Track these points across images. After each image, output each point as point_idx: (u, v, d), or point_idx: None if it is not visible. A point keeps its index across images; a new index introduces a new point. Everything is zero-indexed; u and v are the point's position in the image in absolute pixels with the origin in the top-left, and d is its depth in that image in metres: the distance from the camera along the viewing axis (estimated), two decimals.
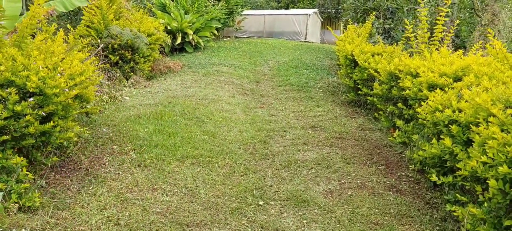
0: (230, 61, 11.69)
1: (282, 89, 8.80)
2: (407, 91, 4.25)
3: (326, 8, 29.28)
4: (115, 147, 4.70)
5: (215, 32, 15.48)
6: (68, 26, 5.37)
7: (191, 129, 5.44)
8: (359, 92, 6.95)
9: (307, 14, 23.74)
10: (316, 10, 25.31)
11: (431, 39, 5.12)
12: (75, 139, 4.43)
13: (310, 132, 5.87)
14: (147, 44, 8.97)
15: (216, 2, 16.98)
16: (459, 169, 2.97)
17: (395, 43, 7.47)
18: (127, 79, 8.44)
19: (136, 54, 8.74)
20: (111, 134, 5.03)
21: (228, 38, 22.58)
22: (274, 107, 7.31)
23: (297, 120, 6.49)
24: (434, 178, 3.22)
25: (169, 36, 12.97)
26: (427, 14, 7.06)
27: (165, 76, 9.46)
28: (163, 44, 12.77)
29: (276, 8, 28.92)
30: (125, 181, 3.93)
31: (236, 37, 23.35)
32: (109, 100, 6.52)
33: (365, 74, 6.68)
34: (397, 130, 4.71)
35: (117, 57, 8.49)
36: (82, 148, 4.64)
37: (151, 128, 5.23)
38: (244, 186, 4.04)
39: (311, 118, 6.61)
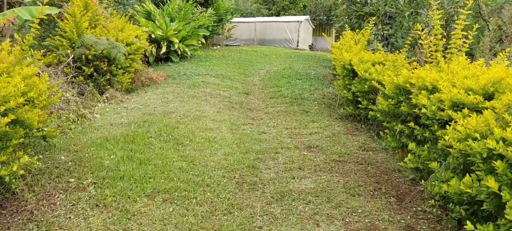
0: (218, 71, 10.90)
1: (274, 102, 8.02)
2: (424, 110, 3.50)
3: (317, 15, 28.73)
4: (72, 180, 3.87)
5: (203, 40, 14.71)
6: (16, 35, 4.54)
7: (167, 153, 4.63)
8: (359, 106, 6.20)
9: (298, 21, 23.10)
10: (307, 17, 24.70)
11: (447, 47, 4.40)
12: (21, 172, 3.59)
13: (305, 153, 5.09)
14: (125, 55, 8.16)
15: (204, 9, 16.23)
16: (503, 216, 2.22)
17: (397, 51, 6.76)
18: (102, 93, 7.61)
19: (113, 65, 7.92)
20: (69, 163, 4.19)
21: (218, 46, 21.84)
22: (265, 123, 6.52)
23: (290, 139, 5.71)
24: (469, 227, 2.45)
25: (153, 45, 12.17)
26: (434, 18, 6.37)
27: (146, 89, 8.64)
28: (147, 54, 11.98)
29: (267, 15, 28.28)
30: (75, 229, 3.10)
31: (226, 45, 22.62)
32: (77, 119, 5.68)
33: (365, 86, 5.94)
34: (408, 154, 3.95)
35: (92, 69, 7.67)
36: (32, 181, 3.80)
37: (119, 154, 4.41)
38: (227, 230, 3.23)
39: (306, 135, 5.84)
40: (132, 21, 12.93)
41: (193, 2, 15.37)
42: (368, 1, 9.07)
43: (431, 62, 4.36)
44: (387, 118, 4.97)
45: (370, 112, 5.70)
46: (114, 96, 7.36)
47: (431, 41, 4.11)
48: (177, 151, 4.76)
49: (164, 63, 12.26)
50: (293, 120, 6.68)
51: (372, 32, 8.70)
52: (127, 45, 8.59)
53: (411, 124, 4.03)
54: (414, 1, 7.87)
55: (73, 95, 6.45)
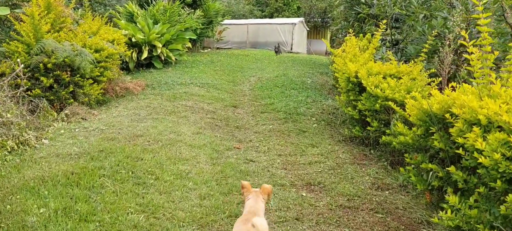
0: (204, 79, 9.72)
1: (265, 117, 6.86)
2: (482, 159, 2.36)
3: (312, 16, 27.68)
4: None
5: (189, 44, 13.51)
6: None
7: (121, 201, 3.44)
8: (369, 127, 5.06)
9: (292, 23, 22.00)
10: (302, 19, 23.62)
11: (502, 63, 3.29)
12: None
13: (304, 194, 3.93)
14: (93, 62, 6.95)
15: (192, 11, 15.04)
16: None
17: (412, 60, 5.64)
18: (61, 109, 6.39)
19: (78, 75, 6.71)
20: None
21: (209, 49, 20.67)
22: (254, 147, 5.36)
23: (285, 170, 4.56)
24: None
25: (134, 50, 10.95)
26: (458, 23, 5.27)
27: (119, 102, 7.43)
28: (127, 60, 10.77)
29: (260, 17, 27.17)
30: None
31: (217, 48, 21.46)
32: (16, 147, 4.47)
33: (377, 104, 4.80)
34: (448, 210, 2.82)
35: (51, 80, 6.45)
36: None
37: (53, 206, 3.21)
38: None
39: (304, 166, 4.68)
40: (111, 23, 11.74)
41: (181, 3, 14.18)
42: (375, 1, 7.93)
43: (467, 81, 3.25)
44: (409, 149, 3.83)
45: (383, 137, 4.57)
46: (75, 113, 6.15)
47: (476, 52, 2.97)
48: (136, 195, 3.58)
49: (145, 70, 11.05)
50: (288, 142, 5.53)
51: (374, 37, 7.57)
52: (97, 51, 7.38)
53: (452, 169, 2.90)
54: (428, 2, 6.75)
55: (21, 114, 5.24)
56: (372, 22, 9.21)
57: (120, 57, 9.96)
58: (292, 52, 21.36)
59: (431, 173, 3.48)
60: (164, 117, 6.17)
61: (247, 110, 7.39)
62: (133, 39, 10.97)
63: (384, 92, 4.68)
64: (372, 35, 7.30)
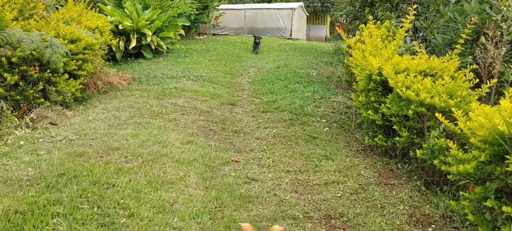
0: (198, 71, 8.70)
1: (268, 118, 5.88)
2: None
3: (311, 1, 26.49)
4: None
5: (182, 31, 12.41)
6: None
7: None
8: (396, 138, 4.10)
9: (292, 8, 20.85)
10: (301, 3, 22.44)
11: None
12: None
13: None
14: (67, 55, 5.92)
15: None
16: None
17: (441, 52, 4.67)
18: (30, 110, 5.39)
19: (48, 70, 5.68)
20: None
21: (205, 35, 19.54)
22: (256, 159, 4.40)
23: (295, 194, 3.61)
24: None
25: (121, 38, 9.88)
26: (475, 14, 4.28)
27: (100, 99, 6.43)
28: (114, 49, 9.71)
29: (258, 2, 25.95)
30: None
31: (214, 34, 20.33)
32: None
33: (408, 110, 3.83)
34: None
35: (16, 77, 5.42)
36: None
37: None
38: None
39: (319, 188, 3.73)
40: (97, 9, 10.65)
41: None
42: None
43: None
44: (465, 177, 2.88)
45: (418, 152, 3.62)
46: (43, 117, 5.14)
47: None
48: None
49: (134, 60, 9.99)
50: (297, 153, 4.56)
51: (394, 24, 6.56)
52: (72, 42, 6.34)
53: None
54: None
55: None
56: (385, 6, 8.17)
57: (106, 46, 8.93)
58: (291, 38, 20.28)
59: (501, 214, 2.54)
60: (149, 121, 5.18)
61: (246, 109, 6.40)
62: (120, 27, 9.88)
63: (418, 96, 3.70)
64: (389, 20, 6.29)
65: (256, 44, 12.81)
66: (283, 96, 6.93)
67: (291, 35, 20.61)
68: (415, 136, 3.99)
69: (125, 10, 10.53)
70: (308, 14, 24.19)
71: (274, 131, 5.32)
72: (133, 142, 4.32)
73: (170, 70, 8.57)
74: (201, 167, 4.00)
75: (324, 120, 5.70)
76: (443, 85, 3.66)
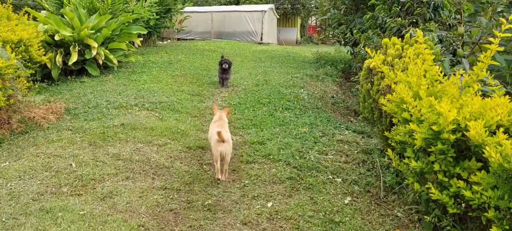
0: (156, 94, 6.58)
1: (256, 177, 3.90)
2: None
3: (281, 3, 24.75)
4: None
5: (138, 41, 10.18)
6: None
7: None
8: None
9: (262, 11, 18.98)
10: (272, 5, 20.63)
11: None
12: None
13: None
14: None
15: None
16: None
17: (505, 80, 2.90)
18: None
19: None
20: None
21: (169, 40, 17.26)
22: None
23: None
24: None
25: (59, 51, 7.56)
26: None
27: (8, 149, 4.22)
28: (50, 66, 7.41)
29: (225, 4, 23.90)
30: None
31: (178, 39, 18.09)
32: None
33: None
34: None
35: None
36: None
37: None
38: None
39: None
40: (29, 15, 8.31)
41: None
42: None
43: None
44: None
45: None
46: None
47: None
48: None
49: (76, 79, 7.70)
50: None
51: (410, 33, 4.78)
52: None
53: None
54: None
55: None
56: (386, 8, 6.38)
57: (35, 64, 6.65)
58: (262, 43, 18.42)
59: None
60: (65, 204, 3.06)
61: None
62: (57, 37, 7.54)
63: None
64: (411, 36, 4.51)
65: (225, 75, 7.58)
66: (272, 133, 4.99)
67: (261, 39, 18.75)
68: None
69: (65, 16, 8.19)
70: (278, 17, 22.44)
71: (269, 205, 3.36)
72: None
73: (119, 94, 6.40)
74: None
75: (339, 180, 3.81)
76: None
